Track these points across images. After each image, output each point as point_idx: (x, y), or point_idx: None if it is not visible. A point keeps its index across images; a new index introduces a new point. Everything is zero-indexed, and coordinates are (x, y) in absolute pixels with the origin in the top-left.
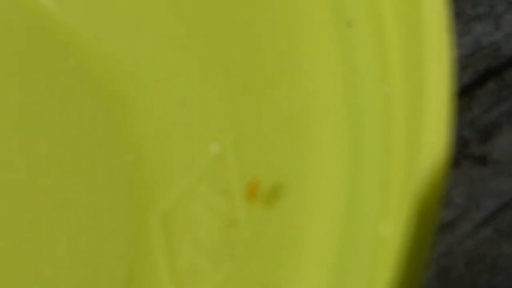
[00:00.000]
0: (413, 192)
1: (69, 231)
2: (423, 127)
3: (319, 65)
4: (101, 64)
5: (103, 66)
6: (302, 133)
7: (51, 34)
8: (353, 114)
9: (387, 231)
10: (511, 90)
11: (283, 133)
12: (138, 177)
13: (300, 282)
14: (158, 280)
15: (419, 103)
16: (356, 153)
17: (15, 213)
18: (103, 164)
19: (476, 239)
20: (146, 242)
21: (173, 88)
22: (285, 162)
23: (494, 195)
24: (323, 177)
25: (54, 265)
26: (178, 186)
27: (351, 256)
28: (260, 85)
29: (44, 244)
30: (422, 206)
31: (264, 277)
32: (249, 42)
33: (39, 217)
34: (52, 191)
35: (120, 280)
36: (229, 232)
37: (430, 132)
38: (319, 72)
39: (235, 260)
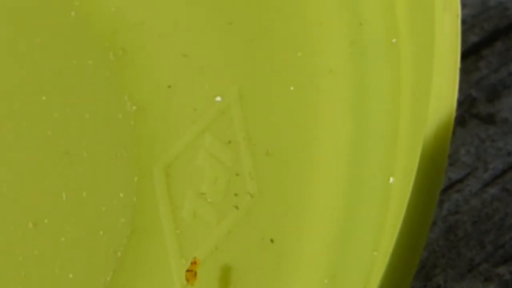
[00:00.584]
0: (421, 146)
1: (71, 182)
2: (430, 82)
3: (326, 25)
4: (103, 16)
5: (105, 18)
6: (307, 88)
7: None
8: (360, 71)
9: (395, 184)
10: None
11: (288, 86)
12: (140, 129)
13: (307, 235)
14: (161, 231)
15: (427, 58)
16: (362, 108)
17: (15, 164)
18: (105, 116)
19: (484, 198)
20: (148, 193)
21: (175, 39)
22: (290, 115)
23: (502, 154)
24: (329, 129)
25: (55, 216)
26: (181, 137)
27: (358, 209)
28: (266, 40)
29: (45, 195)
30: (429, 160)
31: (269, 230)
32: None
33: (40, 168)
34: (53, 142)
35: (123, 230)
36: (233, 184)
37: (437, 87)
38: (325, 32)
39: (239, 212)
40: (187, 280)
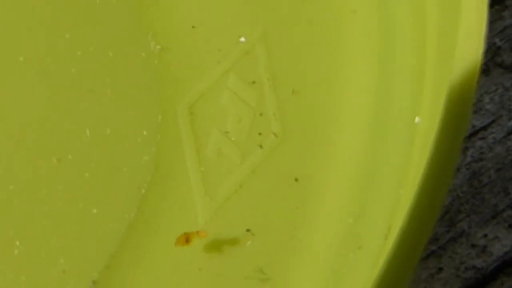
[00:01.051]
0: (446, 89)
1: (94, 119)
2: (457, 25)
3: None
4: None
5: None
6: (331, 28)
7: None
8: (384, 12)
9: (420, 124)
10: None
11: (312, 27)
12: (164, 68)
13: (331, 175)
14: (185, 169)
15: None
16: (387, 49)
17: (40, 100)
18: (129, 54)
19: (508, 146)
20: (172, 131)
21: None
22: (314, 55)
23: None
24: (354, 69)
25: (79, 152)
26: (205, 77)
27: (383, 148)
28: None
29: (69, 131)
30: (455, 104)
31: (293, 169)
32: None
33: (64, 105)
34: (77, 80)
35: (147, 168)
36: (257, 123)
37: (465, 29)
38: None
39: (263, 151)
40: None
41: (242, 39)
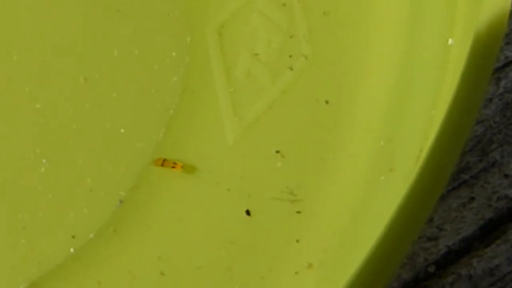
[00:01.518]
0: (479, 15)
1: (122, 39)
2: None
3: None
4: None
5: None
6: None
7: None
8: None
9: (453, 46)
10: None
11: None
12: None
13: (363, 97)
14: (214, 90)
15: None
16: None
17: (66, 19)
18: None
19: None
20: (201, 53)
21: None
22: None
23: None
24: None
25: (106, 72)
26: None
27: (416, 70)
28: None
29: (96, 51)
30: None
31: (324, 91)
32: None
33: (91, 24)
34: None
35: (175, 89)
36: (287, 45)
37: None
38: None
39: (293, 73)
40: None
41: None
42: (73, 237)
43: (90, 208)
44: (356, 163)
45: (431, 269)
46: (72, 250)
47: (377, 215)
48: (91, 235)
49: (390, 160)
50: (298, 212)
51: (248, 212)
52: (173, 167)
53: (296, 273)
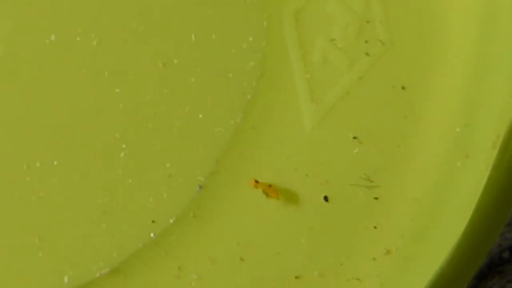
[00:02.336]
0: None
1: (200, 23)
2: None
3: None
4: None
5: None
6: None
7: None
8: None
9: None
10: None
11: None
12: None
13: (439, 83)
14: (291, 75)
15: None
16: None
17: (144, 4)
18: None
19: None
20: (278, 38)
21: None
22: None
23: None
24: None
25: (184, 56)
26: None
27: (493, 53)
28: None
29: (174, 35)
30: None
31: (400, 77)
32: None
33: (169, 8)
34: None
35: (252, 73)
36: (364, 31)
37: None
38: None
39: (370, 58)
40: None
41: None
42: (153, 222)
43: (169, 193)
44: (432, 149)
45: (505, 254)
46: (152, 235)
47: (454, 201)
48: (171, 220)
49: (466, 146)
50: (376, 198)
51: (326, 198)
52: (266, 193)
53: (374, 259)
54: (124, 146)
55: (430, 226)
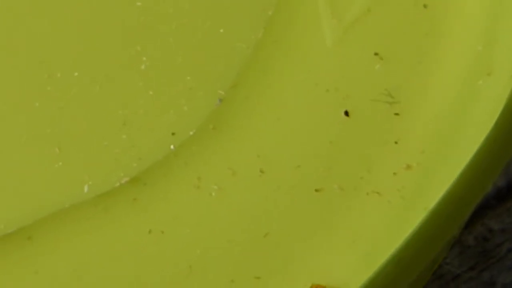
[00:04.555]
0: None
1: None
2: None
3: None
4: None
5: None
6: None
7: None
8: None
9: None
10: None
11: None
12: None
13: (460, 2)
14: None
15: None
16: None
17: None
18: None
19: None
20: None
21: None
22: None
23: None
24: None
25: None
26: None
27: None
28: None
29: None
30: None
31: None
32: None
33: None
34: None
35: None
36: None
37: None
38: None
39: None
40: None
41: None
42: (173, 134)
43: (189, 106)
44: (453, 67)
45: None
46: (172, 147)
47: (474, 119)
48: (191, 133)
49: (488, 65)
50: (397, 114)
51: (346, 113)
52: None
53: (395, 173)
54: (144, 59)
55: (450, 143)
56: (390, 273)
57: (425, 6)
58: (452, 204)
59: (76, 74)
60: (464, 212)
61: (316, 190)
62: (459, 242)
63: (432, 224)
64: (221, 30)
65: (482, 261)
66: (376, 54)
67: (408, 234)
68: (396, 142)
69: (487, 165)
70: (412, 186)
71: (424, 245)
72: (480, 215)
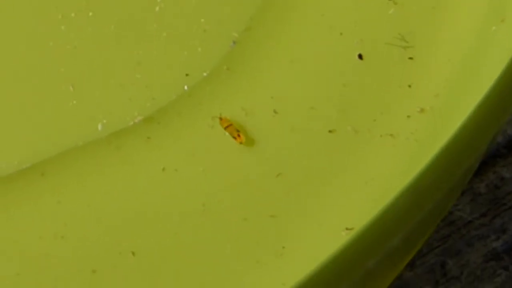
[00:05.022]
0: None
1: None
2: None
3: None
4: None
5: None
6: None
7: None
8: None
9: None
10: None
11: None
12: None
13: None
14: None
15: None
16: None
17: None
18: None
19: None
20: None
21: None
22: None
23: None
24: None
25: None
26: None
27: None
28: None
29: None
30: None
31: None
32: None
33: None
34: None
35: None
36: None
37: None
38: None
39: None
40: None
41: None
42: (187, 75)
43: (203, 47)
44: (467, 13)
45: None
46: (185, 87)
47: (487, 64)
48: (205, 74)
49: (501, 11)
50: (410, 58)
51: (360, 56)
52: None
53: (408, 116)
54: (159, 0)
55: (464, 87)
56: (403, 205)
57: None
58: (463, 140)
59: (90, 14)
60: (476, 148)
61: (330, 131)
62: (471, 190)
63: (445, 158)
64: None
65: (494, 208)
66: None
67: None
68: (409, 86)
69: (498, 108)
70: (425, 129)
71: (438, 177)
72: (491, 164)
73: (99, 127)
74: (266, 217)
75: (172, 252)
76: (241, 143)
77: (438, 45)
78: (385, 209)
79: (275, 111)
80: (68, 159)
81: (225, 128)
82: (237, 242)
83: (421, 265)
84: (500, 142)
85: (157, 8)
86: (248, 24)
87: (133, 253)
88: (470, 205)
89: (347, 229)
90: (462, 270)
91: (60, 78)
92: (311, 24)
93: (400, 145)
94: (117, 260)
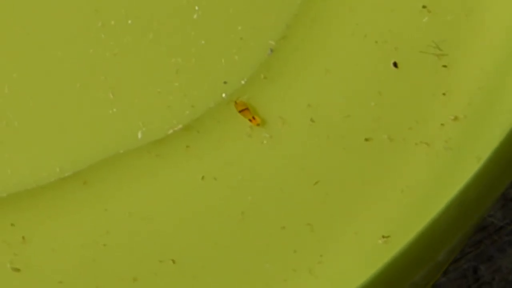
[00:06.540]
0: None
1: None
2: None
3: None
4: None
5: None
6: None
7: None
8: None
9: None
10: None
11: None
12: None
13: None
14: None
15: None
16: None
17: None
18: None
19: None
20: None
21: None
22: None
23: None
24: None
25: None
26: None
27: None
28: None
29: None
30: None
31: None
32: None
33: None
34: None
35: None
36: None
37: None
38: None
39: None
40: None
41: None
42: (225, 83)
43: (241, 55)
44: (501, 21)
45: None
46: (224, 95)
47: None
48: (242, 82)
49: None
50: (444, 66)
51: (395, 64)
52: (250, 120)
53: (442, 124)
54: (197, 8)
55: (498, 95)
56: (451, 216)
57: None
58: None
59: (129, 22)
60: None
61: (366, 140)
62: (502, 195)
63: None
64: None
65: None
66: (424, 7)
67: (460, 184)
68: (444, 94)
69: None
70: (459, 137)
71: (486, 187)
72: None
73: (139, 135)
74: (303, 225)
75: (212, 260)
76: (258, 124)
77: (472, 53)
78: (432, 222)
79: (312, 120)
80: (109, 167)
81: (240, 112)
82: (275, 251)
83: (453, 270)
84: None
85: (195, 16)
86: (285, 32)
87: (174, 261)
88: (501, 211)
89: (383, 237)
90: (494, 276)
91: (100, 85)
92: (346, 33)
93: (434, 153)
94: (158, 268)
